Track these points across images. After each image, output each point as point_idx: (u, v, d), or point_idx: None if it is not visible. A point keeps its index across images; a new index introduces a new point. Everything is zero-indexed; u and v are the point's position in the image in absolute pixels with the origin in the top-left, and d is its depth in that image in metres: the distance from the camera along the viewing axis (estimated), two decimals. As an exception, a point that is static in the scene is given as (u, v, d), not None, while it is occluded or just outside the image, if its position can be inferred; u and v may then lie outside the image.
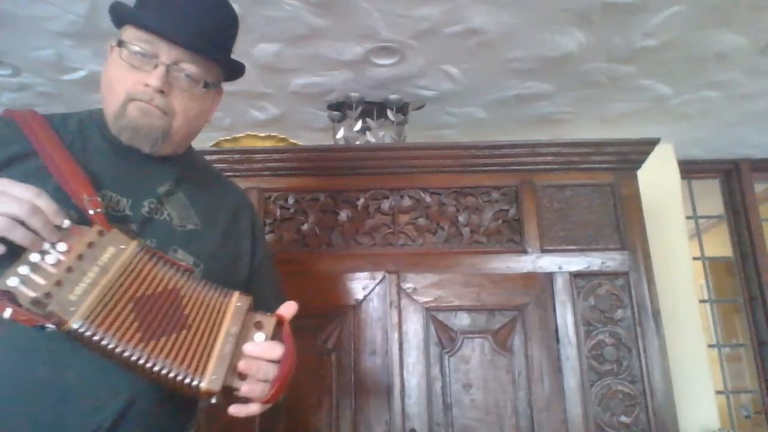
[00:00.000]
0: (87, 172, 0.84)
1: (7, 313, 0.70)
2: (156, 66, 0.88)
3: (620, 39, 1.79)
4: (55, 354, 0.77)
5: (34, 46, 1.77)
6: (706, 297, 2.84)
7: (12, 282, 0.70)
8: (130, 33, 0.90)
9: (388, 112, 2.13)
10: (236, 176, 1.75)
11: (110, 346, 0.71)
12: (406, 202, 1.76)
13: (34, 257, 0.73)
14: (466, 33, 1.74)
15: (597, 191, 1.76)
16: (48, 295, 0.70)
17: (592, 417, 1.57)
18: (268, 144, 1.90)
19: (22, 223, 0.72)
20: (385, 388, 1.58)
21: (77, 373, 0.77)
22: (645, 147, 1.75)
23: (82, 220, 0.79)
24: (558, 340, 1.62)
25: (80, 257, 0.74)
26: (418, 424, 1.56)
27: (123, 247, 0.78)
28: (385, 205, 1.76)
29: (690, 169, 2.71)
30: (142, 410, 0.81)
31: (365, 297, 1.66)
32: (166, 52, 0.88)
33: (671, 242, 2.39)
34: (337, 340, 1.64)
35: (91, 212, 0.80)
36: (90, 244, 0.76)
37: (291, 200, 1.76)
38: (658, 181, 2.38)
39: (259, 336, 0.82)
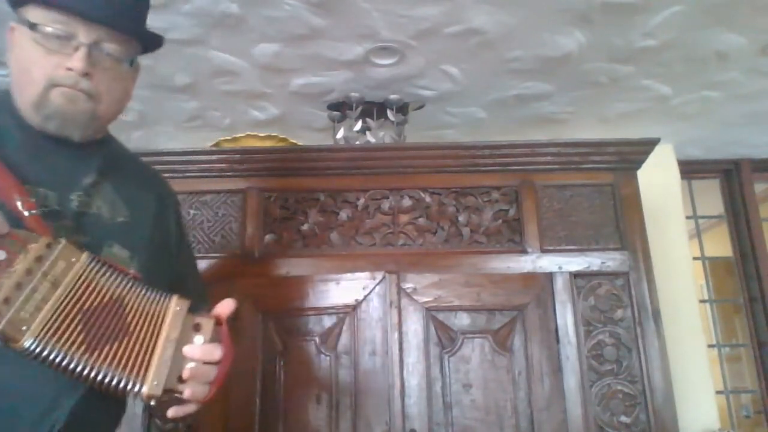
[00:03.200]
0: (7, 165, 0.77)
1: None
2: (76, 48, 0.82)
3: (620, 39, 1.79)
4: (3, 359, 0.73)
5: (34, 46, 1.76)
6: (706, 297, 2.84)
7: None
8: (38, 13, 0.82)
9: (388, 112, 2.13)
10: (236, 176, 1.76)
11: (57, 360, 0.70)
12: (406, 202, 1.76)
13: None
14: (466, 33, 1.74)
15: (597, 191, 1.76)
16: None
17: (592, 417, 1.57)
18: (268, 144, 1.90)
19: None
20: (385, 388, 1.58)
21: (28, 377, 0.75)
22: (645, 147, 1.75)
23: (12, 220, 0.73)
24: (558, 340, 1.61)
25: (29, 272, 0.71)
26: (418, 424, 1.55)
27: (73, 260, 0.76)
28: (385, 205, 1.76)
29: (690, 169, 2.71)
30: (92, 407, 0.81)
31: (365, 297, 1.66)
32: (85, 32, 0.82)
33: (671, 242, 2.39)
34: (337, 340, 1.64)
35: (26, 214, 0.75)
36: (38, 258, 0.72)
37: (291, 200, 1.76)
38: (658, 181, 2.37)
39: (198, 339, 0.82)
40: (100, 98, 0.86)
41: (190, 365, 0.80)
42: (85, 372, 0.72)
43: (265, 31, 1.72)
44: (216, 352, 0.82)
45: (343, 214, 1.75)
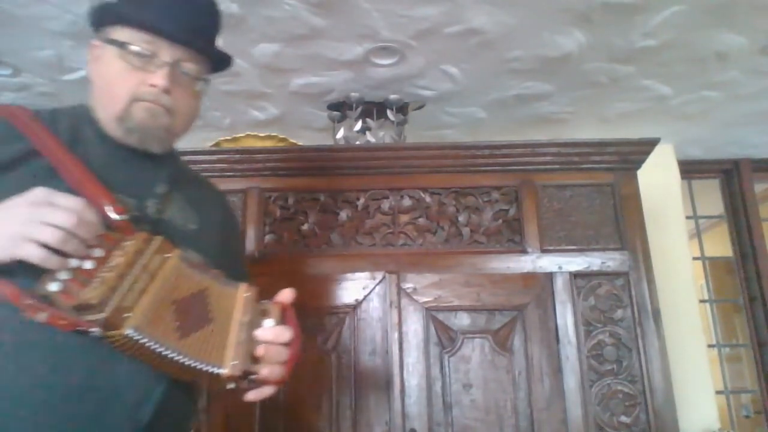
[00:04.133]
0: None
1: (42, 316, 0.71)
2: (160, 66, 0.88)
3: (620, 39, 1.79)
4: (95, 355, 0.76)
5: (34, 46, 1.77)
6: (706, 297, 2.84)
7: (53, 287, 0.71)
8: (124, 32, 0.88)
9: (388, 112, 2.13)
10: (236, 176, 1.76)
11: (152, 347, 0.74)
12: (406, 202, 1.76)
13: (74, 263, 0.73)
14: (466, 33, 1.74)
15: (597, 191, 1.76)
16: (103, 301, 0.72)
17: (592, 417, 1.57)
18: (268, 144, 1.90)
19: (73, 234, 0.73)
20: (385, 388, 1.58)
21: (119, 372, 0.77)
22: (645, 147, 1.75)
23: (104, 225, 0.79)
24: (558, 340, 1.61)
25: (130, 264, 0.77)
26: (418, 424, 1.55)
27: (169, 255, 0.82)
28: (385, 205, 1.76)
29: (690, 169, 2.71)
30: (173, 398, 0.83)
31: (365, 297, 1.66)
32: (168, 51, 0.88)
33: (671, 242, 2.39)
34: (337, 340, 1.64)
35: (117, 218, 0.80)
36: (137, 252, 0.79)
37: (291, 200, 1.76)
38: (658, 181, 2.37)
39: (268, 322, 0.88)
40: (176, 114, 0.91)
41: (266, 346, 0.84)
42: (176, 358, 0.76)
43: (265, 31, 1.72)
44: (286, 333, 0.87)
45: (343, 214, 1.75)
